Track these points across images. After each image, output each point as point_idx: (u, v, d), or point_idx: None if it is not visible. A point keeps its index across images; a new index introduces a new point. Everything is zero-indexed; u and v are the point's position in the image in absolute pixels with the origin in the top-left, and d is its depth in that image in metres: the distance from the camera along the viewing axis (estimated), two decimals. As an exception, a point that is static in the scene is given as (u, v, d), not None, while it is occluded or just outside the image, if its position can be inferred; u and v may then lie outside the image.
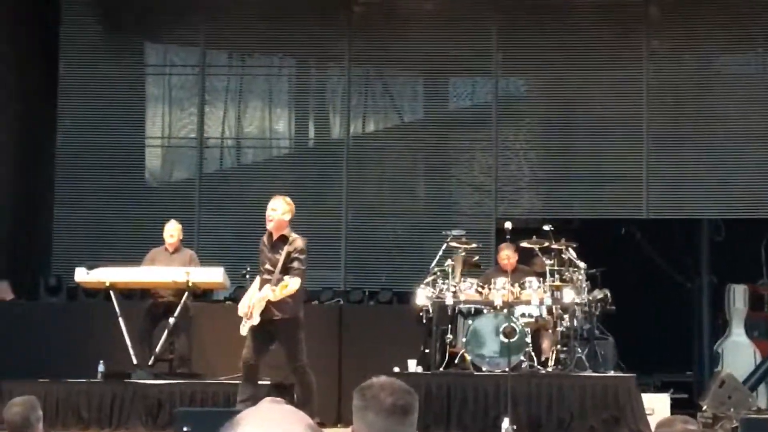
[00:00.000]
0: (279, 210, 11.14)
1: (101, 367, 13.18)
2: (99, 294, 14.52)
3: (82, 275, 13.34)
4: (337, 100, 17.73)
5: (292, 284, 10.78)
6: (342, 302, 15.29)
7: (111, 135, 17.38)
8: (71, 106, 17.52)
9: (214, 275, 13.14)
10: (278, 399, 3.31)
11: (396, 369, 12.30)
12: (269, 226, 11.13)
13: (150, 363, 12.81)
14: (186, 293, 12.79)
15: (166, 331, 12.83)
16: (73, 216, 17.22)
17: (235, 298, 15.09)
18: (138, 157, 17.86)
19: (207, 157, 17.80)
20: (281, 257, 11.00)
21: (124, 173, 17.40)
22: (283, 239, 11.11)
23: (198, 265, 13.38)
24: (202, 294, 14.08)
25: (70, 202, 17.30)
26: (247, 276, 13.24)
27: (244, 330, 11.10)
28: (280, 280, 10.87)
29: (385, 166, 17.46)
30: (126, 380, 12.73)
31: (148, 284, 13.39)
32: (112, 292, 13.14)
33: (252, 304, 11.05)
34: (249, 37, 17.63)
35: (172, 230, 13.44)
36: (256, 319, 10.95)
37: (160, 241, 13.68)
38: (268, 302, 10.92)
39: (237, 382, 11.88)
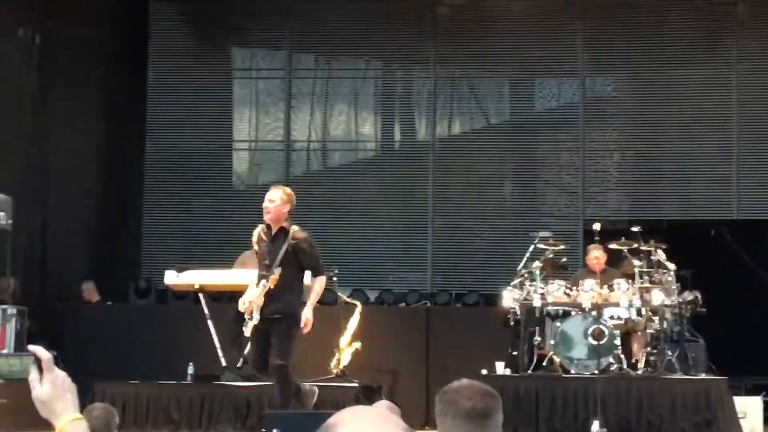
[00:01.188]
0: (277, 200, 10.45)
1: (191, 369, 13.27)
2: (188, 296, 14.64)
3: (171, 278, 13.44)
4: (423, 102, 17.71)
5: (317, 285, 10.33)
6: (429, 305, 15.26)
7: (199, 139, 17.52)
8: (160, 112, 17.70)
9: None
10: (385, 402, 3.28)
11: (484, 371, 12.24)
12: (266, 217, 10.47)
13: (239, 365, 12.87)
14: (274, 296, 12.82)
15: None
16: (162, 219, 17.38)
17: (323, 300, 15.13)
18: (225, 161, 17.99)
19: (294, 160, 17.88)
20: (281, 251, 10.31)
21: (212, 177, 17.52)
22: (283, 231, 10.43)
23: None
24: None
25: (159, 206, 17.47)
26: (335, 278, 13.26)
27: (248, 331, 10.49)
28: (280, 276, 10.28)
29: (472, 168, 17.40)
30: (215, 382, 12.81)
31: (237, 287, 13.44)
32: (201, 295, 13.22)
33: (251, 300, 10.42)
34: (335, 41, 17.68)
35: (261, 233, 13.49)
36: (256, 318, 10.30)
37: (248, 244, 13.72)
38: (267, 300, 10.26)
39: (327, 384, 11.89)
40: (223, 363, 12.89)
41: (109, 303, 15.52)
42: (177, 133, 17.55)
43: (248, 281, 13.08)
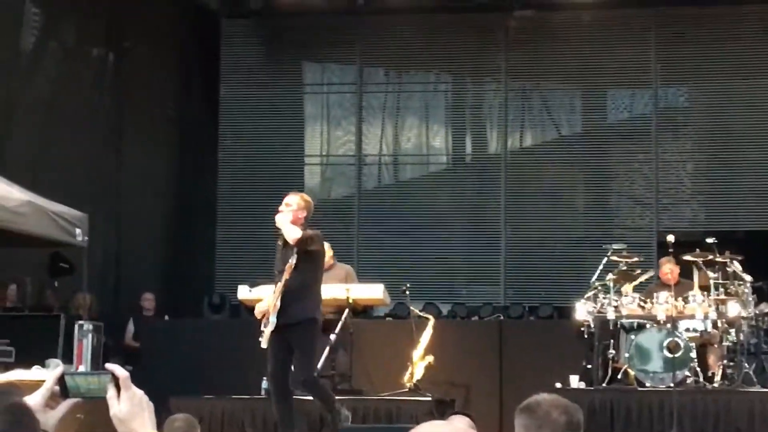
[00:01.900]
0: (294, 205, 10.13)
1: (265, 384, 13.31)
2: (261, 311, 14.69)
3: (244, 293, 13.50)
4: (494, 114, 17.69)
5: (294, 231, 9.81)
6: (502, 318, 15.22)
7: (271, 153, 17.64)
8: (232, 127, 17.85)
9: (374, 291, 13.18)
10: (463, 418, 3.29)
11: (558, 385, 12.16)
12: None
13: (312, 379, 12.89)
14: (346, 310, 12.86)
15: (326, 348, 12.91)
16: (235, 234, 17.51)
17: (396, 314, 15.15)
18: (297, 175, 18.09)
19: (365, 173, 17.93)
20: (293, 254, 9.91)
21: (284, 191, 17.46)
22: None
23: (354, 280, 13.43)
24: (362, 310, 14.14)
25: (232, 221, 17.59)
26: (407, 292, 13.26)
27: (264, 342, 10.11)
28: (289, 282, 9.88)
29: (544, 181, 17.34)
30: (288, 396, 12.83)
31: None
32: (274, 310, 13.26)
33: (268, 305, 10.10)
34: (405, 54, 17.73)
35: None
36: (272, 322, 9.95)
37: (320, 259, 13.77)
38: (282, 305, 9.90)
39: (400, 398, 11.89)
40: (297, 377, 12.90)
41: (166, 317, 15.63)
42: (249, 148, 17.69)
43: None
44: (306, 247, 9.93)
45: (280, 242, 10.22)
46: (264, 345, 10.05)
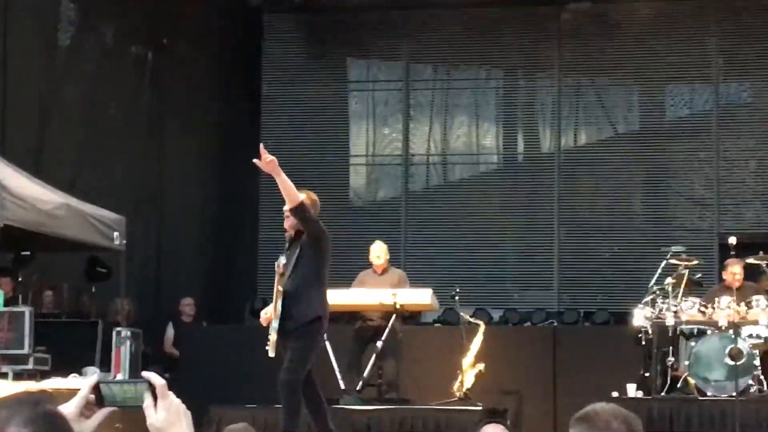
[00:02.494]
0: None
1: (308, 393, 13.34)
2: (305, 317, 14.74)
3: (287, 298, 13.52)
4: (547, 111, 17.66)
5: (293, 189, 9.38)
6: (555, 324, 15.19)
7: (314, 154, 17.68)
8: (274, 126, 17.90)
9: (422, 297, 13.19)
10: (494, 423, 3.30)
11: (615, 394, 12.12)
12: (285, 224, 9.85)
13: (358, 388, 12.92)
14: (394, 316, 12.87)
15: (374, 356, 12.93)
16: (278, 238, 17.52)
17: (445, 320, 15.16)
18: (342, 176, 18.12)
19: (413, 174, 17.94)
20: (295, 255, 9.64)
21: (329, 193, 17.59)
22: (300, 235, 9.75)
23: (407, 285, 13.44)
24: (410, 316, 14.16)
25: (274, 223, 17.61)
26: (457, 297, 13.26)
27: (271, 351, 9.77)
28: (289, 282, 9.60)
29: (599, 181, 17.28)
30: (334, 405, 12.87)
31: (355, 307, 13.52)
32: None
33: (270, 313, 9.79)
34: (453, 50, 17.72)
35: (379, 251, 13.53)
36: (274, 330, 9.58)
37: (365, 262, 13.80)
38: (285, 309, 9.60)
39: (449, 408, 11.87)
40: (342, 386, 12.94)
41: (204, 324, 15.70)
42: (292, 148, 17.72)
43: (365, 301, 13.18)
44: (304, 215, 9.49)
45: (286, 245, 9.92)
46: (271, 354, 9.69)
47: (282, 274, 9.66)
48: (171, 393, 2.83)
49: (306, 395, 9.78)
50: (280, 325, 9.59)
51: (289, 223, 9.82)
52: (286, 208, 9.75)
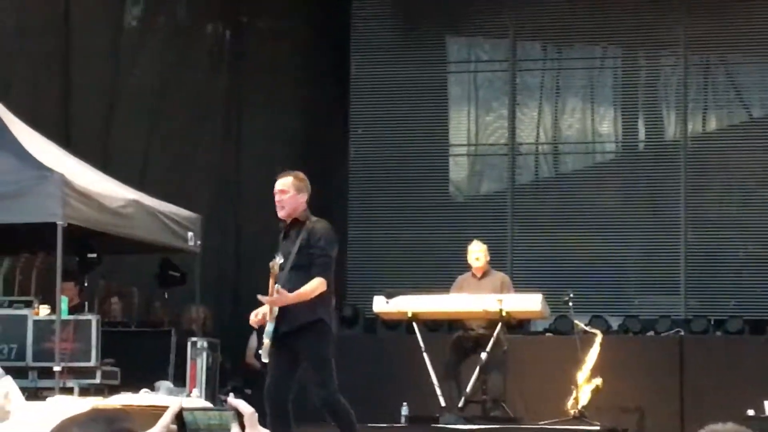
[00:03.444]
0: (290, 190, 9.64)
1: (405, 410, 13.41)
2: (400, 326, 14.79)
3: (380, 305, 13.60)
4: (672, 94, 17.53)
5: (312, 284, 9.48)
6: (682, 333, 15.10)
7: (409, 143, 17.70)
8: (364, 113, 17.95)
9: (531, 303, 13.16)
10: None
11: (750, 412, 12.04)
12: (281, 213, 9.74)
13: (460, 405, 12.93)
14: (499, 324, 12.87)
15: (477, 369, 12.93)
16: (369, 237, 17.61)
17: (557, 329, 15.11)
18: (441, 168, 18.13)
19: (520, 165, 17.90)
20: (294, 249, 9.60)
21: (426, 187, 17.67)
22: (297, 225, 9.70)
23: (511, 290, 13.43)
24: (517, 325, 14.14)
25: (365, 222, 17.71)
26: (570, 303, 13.22)
27: (264, 355, 9.68)
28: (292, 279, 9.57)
29: (732, 171, 17.11)
30: (433, 424, 12.90)
31: (455, 314, 13.53)
32: (415, 324, 13.34)
33: (263, 313, 9.69)
34: (566, 26, 17.65)
35: (477, 252, 13.51)
36: (268, 333, 9.56)
37: (466, 265, 13.80)
38: (282, 309, 9.54)
39: (562, 427, 11.85)
40: (442, 402, 12.97)
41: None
42: (384, 137, 17.77)
43: (466, 308, 13.18)
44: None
45: (281, 237, 9.88)
46: (264, 358, 9.69)
47: (281, 268, 9.60)
48: (259, 425, 2.87)
49: (274, 405, 9.69)
50: (275, 329, 9.56)
51: (285, 211, 9.73)
52: (278, 188, 9.70)
